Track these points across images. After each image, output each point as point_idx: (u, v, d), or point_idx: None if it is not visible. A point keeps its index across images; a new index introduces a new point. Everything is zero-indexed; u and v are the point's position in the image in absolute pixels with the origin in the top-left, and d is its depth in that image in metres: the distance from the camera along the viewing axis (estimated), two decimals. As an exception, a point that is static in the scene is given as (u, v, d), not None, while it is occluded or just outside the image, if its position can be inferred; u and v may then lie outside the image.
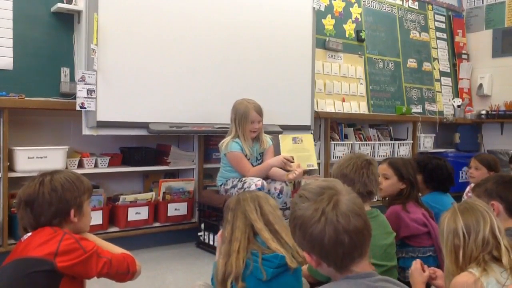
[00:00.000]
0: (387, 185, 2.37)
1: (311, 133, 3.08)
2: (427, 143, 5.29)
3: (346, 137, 4.66)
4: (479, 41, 6.06)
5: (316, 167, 3.11)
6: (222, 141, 3.14)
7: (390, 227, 2.04)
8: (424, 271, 1.78)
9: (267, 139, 3.22)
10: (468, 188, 3.36)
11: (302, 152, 3.06)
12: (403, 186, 2.35)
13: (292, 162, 3.01)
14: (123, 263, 1.59)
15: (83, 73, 2.86)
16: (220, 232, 1.79)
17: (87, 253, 1.48)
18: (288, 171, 3.01)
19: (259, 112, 3.12)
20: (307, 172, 3.33)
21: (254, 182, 2.92)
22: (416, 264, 1.77)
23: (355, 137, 4.70)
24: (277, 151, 3.23)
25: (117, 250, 1.66)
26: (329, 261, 1.13)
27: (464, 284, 1.40)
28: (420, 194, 2.49)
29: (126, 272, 1.59)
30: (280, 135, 3.13)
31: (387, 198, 2.45)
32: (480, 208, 1.51)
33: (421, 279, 1.74)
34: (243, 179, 3.04)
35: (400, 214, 2.25)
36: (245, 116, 3.07)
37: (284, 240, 1.67)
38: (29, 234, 1.53)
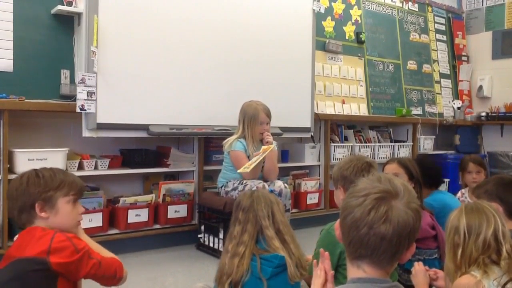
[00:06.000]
0: None
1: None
2: (427, 145, 5.29)
3: (346, 139, 4.66)
4: (479, 43, 6.06)
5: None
6: (227, 140, 3.16)
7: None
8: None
9: (273, 144, 3.19)
10: (459, 194, 3.33)
11: None
12: (411, 186, 2.34)
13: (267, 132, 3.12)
14: (111, 267, 1.57)
15: (83, 75, 2.86)
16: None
17: (80, 252, 1.47)
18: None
19: (268, 114, 3.16)
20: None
21: (256, 185, 2.92)
22: (419, 266, 1.77)
23: (355, 139, 4.70)
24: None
25: (106, 253, 1.64)
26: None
27: (465, 286, 1.40)
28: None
29: (113, 277, 1.57)
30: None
31: None
32: (486, 211, 1.50)
33: (426, 280, 1.74)
34: (244, 181, 3.04)
35: None
36: (255, 118, 3.10)
37: (291, 251, 1.72)
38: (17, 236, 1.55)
